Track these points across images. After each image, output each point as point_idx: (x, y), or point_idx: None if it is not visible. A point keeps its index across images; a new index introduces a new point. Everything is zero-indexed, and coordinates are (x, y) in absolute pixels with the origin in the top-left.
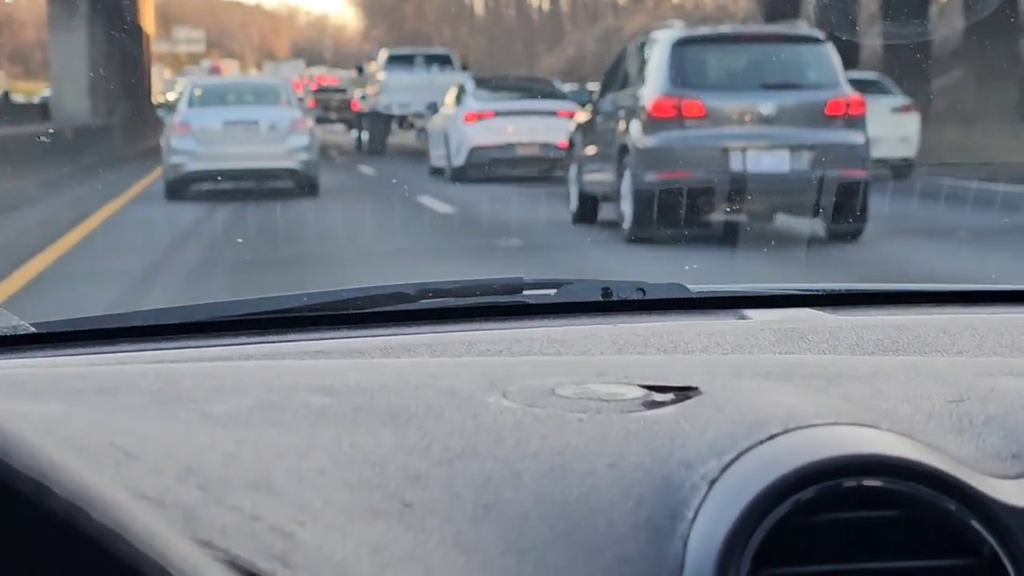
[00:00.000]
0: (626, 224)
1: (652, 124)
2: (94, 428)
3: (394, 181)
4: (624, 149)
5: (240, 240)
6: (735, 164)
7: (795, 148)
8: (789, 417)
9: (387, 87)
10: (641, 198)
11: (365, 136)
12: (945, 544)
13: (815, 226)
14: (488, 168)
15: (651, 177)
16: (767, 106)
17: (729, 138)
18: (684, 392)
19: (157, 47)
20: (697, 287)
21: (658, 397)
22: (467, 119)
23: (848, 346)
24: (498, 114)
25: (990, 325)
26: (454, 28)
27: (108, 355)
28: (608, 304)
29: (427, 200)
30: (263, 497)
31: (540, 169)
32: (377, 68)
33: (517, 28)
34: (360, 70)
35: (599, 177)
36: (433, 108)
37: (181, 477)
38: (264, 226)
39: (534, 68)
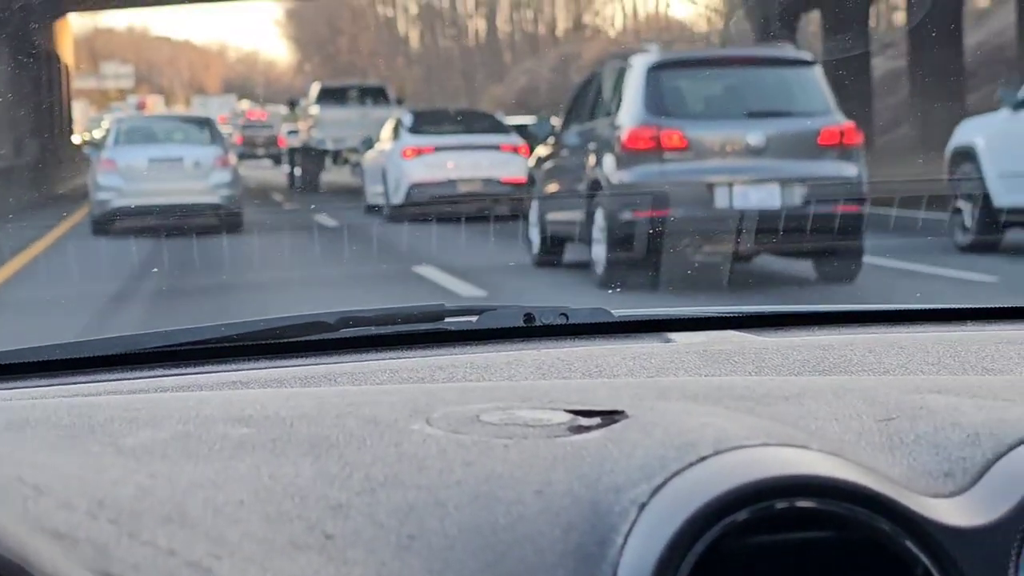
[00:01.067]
0: (598, 268)
1: (627, 157)
2: (1, 463)
3: (334, 225)
4: (595, 185)
5: (156, 270)
6: (721, 200)
7: (786, 182)
8: (719, 439)
9: (320, 121)
10: (615, 239)
11: (298, 172)
12: (880, 564)
13: (804, 267)
14: (428, 205)
15: (627, 216)
16: (754, 136)
17: (713, 171)
18: (610, 416)
19: (84, 83)
20: (620, 311)
21: (584, 422)
22: (405, 154)
23: (774, 367)
24: (438, 149)
25: (915, 344)
26: (389, 60)
27: (21, 390)
28: (531, 329)
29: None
30: (178, 531)
31: (483, 206)
32: (310, 102)
33: (455, 59)
34: (292, 105)
35: (565, 216)
36: (368, 143)
37: (92, 512)
38: (185, 262)
39: (479, 100)
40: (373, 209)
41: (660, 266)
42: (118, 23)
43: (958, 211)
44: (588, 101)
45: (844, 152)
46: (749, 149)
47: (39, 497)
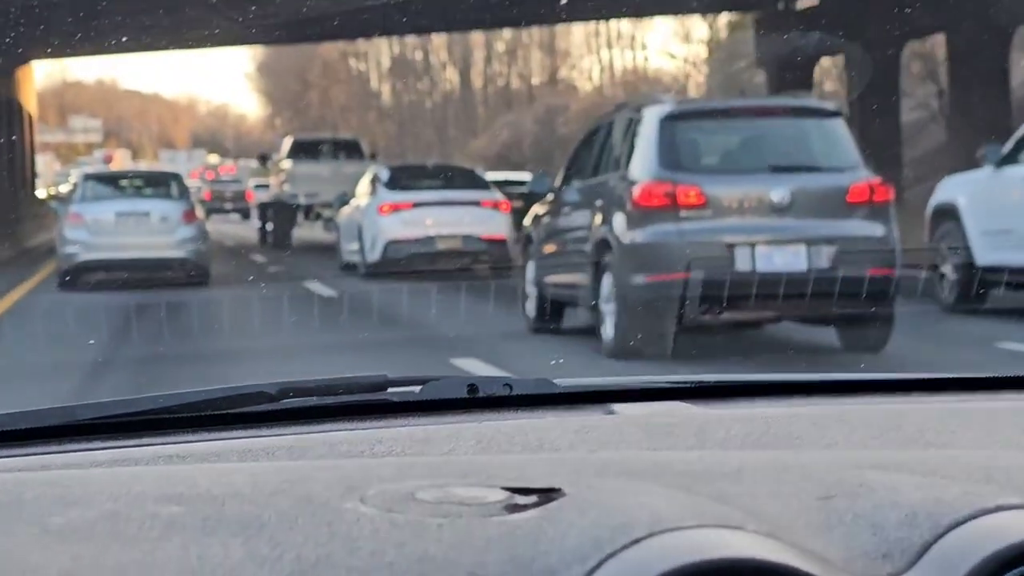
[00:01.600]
0: (606, 336)
1: (640, 215)
2: None
3: (311, 288)
4: (603, 246)
5: (92, 342)
6: (742, 262)
7: (813, 242)
8: (654, 520)
9: (292, 176)
10: (626, 305)
11: (270, 227)
12: None
13: (826, 335)
14: (405, 263)
15: (639, 279)
16: (778, 192)
17: (734, 231)
18: (547, 494)
19: (51, 137)
20: (564, 381)
21: (521, 500)
22: (382, 210)
23: (716, 441)
24: (416, 205)
25: (860, 416)
26: (361, 114)
27: None
28: (474, 401)
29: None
30: None
31: (463, 264)
32: (282, 156)
33: (428, 113)
34: (263, 159)
35: (567, 279)
36: (343, 199)
37: None
38: (150, 321)
39: (457, 154)
40: (348, 267)
41: (675, 334)
42: (87, 76)
43: (938, 270)
44: (592, 155)
45: (874, 210)
46: (772, 207)
47: None
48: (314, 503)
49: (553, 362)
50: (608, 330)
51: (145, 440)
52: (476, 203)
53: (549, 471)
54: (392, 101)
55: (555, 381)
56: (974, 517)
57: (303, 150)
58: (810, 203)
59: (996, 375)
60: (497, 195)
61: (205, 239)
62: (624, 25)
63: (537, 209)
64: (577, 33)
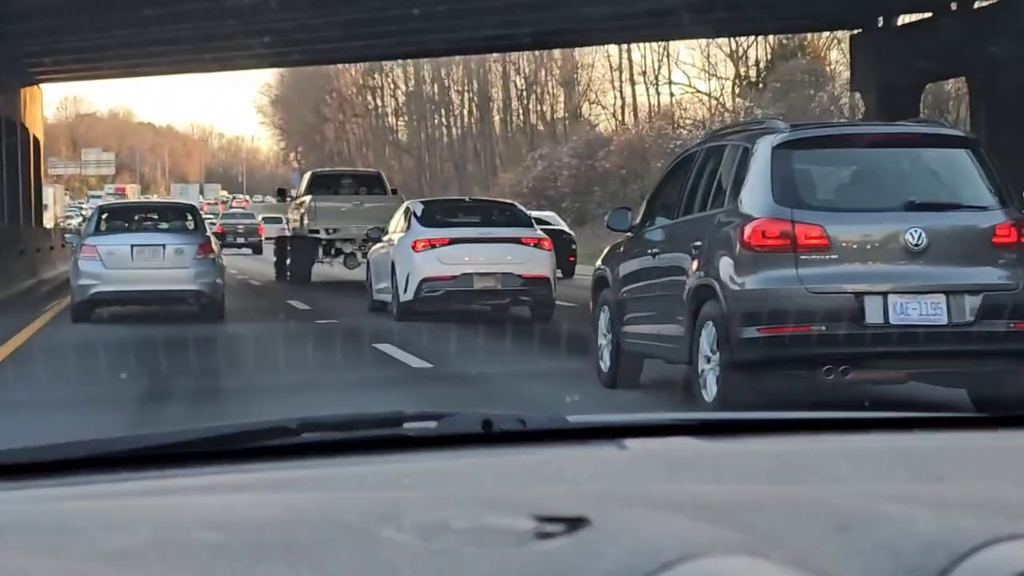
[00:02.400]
0: (706, 395)
1: (751, 258)
2: None
3: (335, 322)
4: (703, 292)
5: (124, 375)
6: (873, 314)
7: (954, 292)
8: (683, 547)
9: (312, 210)
10: (733, 361)
11: (288, 262)
12: None
13: (962, 396)
14: (440, 303)
15: (750, 332)
16: (914, 234)
17: (863, 278)
18: (575, 523)
19: (64, 169)
20: (576, 417)
21: (549, 528)
22: (416, 247)
23: (731, 475)
24: (452, 241)
25: (868, 451)
26: (377, 149)
27: None
28: (489, 436)
29: (387, 348)
30: None
31: (501, 304)
32: (301, 191)
33: (447, 148)
34: (282, 193)
35: (653, 329)
36: (376, 234)
37: None
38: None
39: (480, 188)
40: (377, 307)
41: (788, 394)
42: (100, 108)
43: None
44: (684, 188)
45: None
46: (907, 250)
47: None
48: (353, 531)
49: (568, 399)
50: (708, 389)
51: (176, 472)
52: (516, 240)
53: (573, 502)
54: (409, 136)
55: (567, 417)
56: (989, 544)
57: (323, 184)
58: (950, 246)
59: (992, 415)
60: (538, 232)
61: (221, 273)
62: (650, 56)
63: (615, 249)
64: (599, 66)
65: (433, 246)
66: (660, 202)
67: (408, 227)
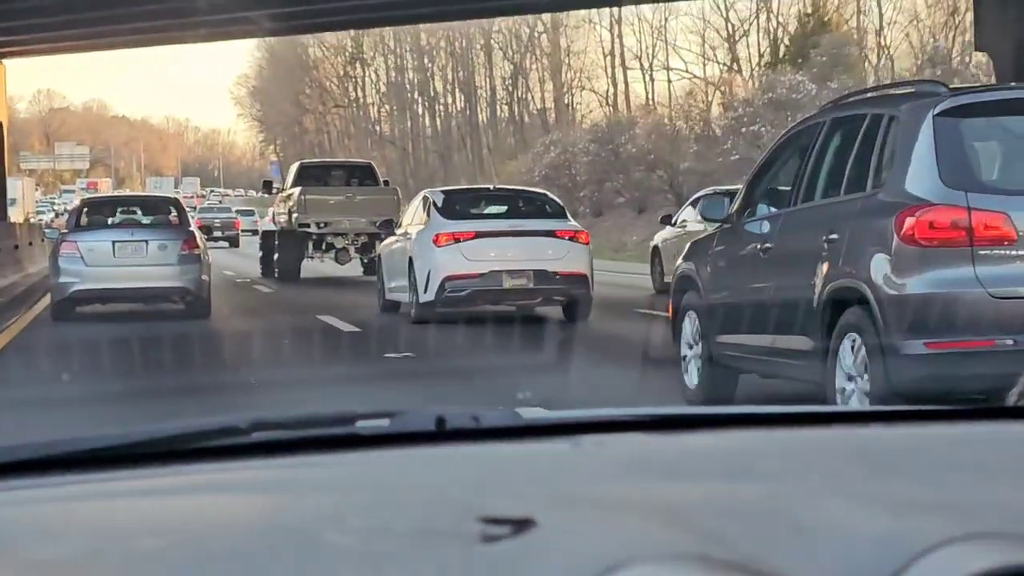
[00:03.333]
0: None
1: (915, 255)
2: None
3: (357, 332)
4: (844, 297)
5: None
6: None
7: None
8: (628, 551)
9: (301, 204)
10: (890, 383)
11: (277, 258)
12: None
13: None
14: (465, 304)
15: (914, 348)
16: None
17: None
18: (521, 524)
19: (36, 163)
20: (531, 413)
21: (495, 530)
22: (437, 241)
23: (682, 472)
24: (479, 235)
25: (822, 447)
26: (359, 141)
27: None
28: (443, 434)
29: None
30: None
31: (531, 305)
32: (288, 183)
33: (432, 139)
34: (267, 186)
35: (765, 341)
36: (388, 228)
37: None
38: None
39: (483, 178)
40: (390, 307)
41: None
42: (73, 102)
43: None
44: (804, 170)
45: None
46: None
47: None
48: (296, 534)
49: (520, 395)
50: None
51: (118, 474)
52: (550, 233)
53: (521, 502)
54: (392, 126)
55: (521, 413)
56: (943, 545)
57: (312, 176)
58: None
59: (955, 408)
60: (574, 223)
61: (207, 269)
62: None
63: (701, 244)
64: (592, 52)
65: (457, 240)
66: (765, 187)
67: (428, 219)
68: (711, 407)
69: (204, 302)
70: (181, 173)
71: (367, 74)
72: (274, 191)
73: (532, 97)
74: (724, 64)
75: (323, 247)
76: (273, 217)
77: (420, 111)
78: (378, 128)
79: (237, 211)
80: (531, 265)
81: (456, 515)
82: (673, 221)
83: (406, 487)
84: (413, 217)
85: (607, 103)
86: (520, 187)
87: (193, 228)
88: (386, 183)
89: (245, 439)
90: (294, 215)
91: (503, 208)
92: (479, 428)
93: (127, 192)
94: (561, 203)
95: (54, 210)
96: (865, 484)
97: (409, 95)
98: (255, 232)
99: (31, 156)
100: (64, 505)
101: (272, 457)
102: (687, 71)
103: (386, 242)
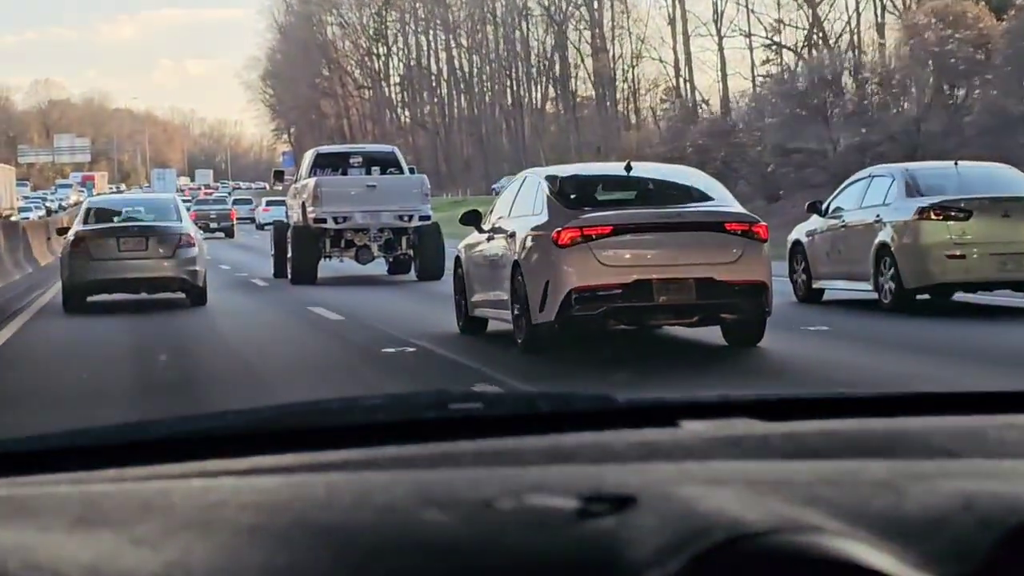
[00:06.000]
0: None
1: None
2: (16, 550)
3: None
4: None
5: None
6: None
7: None
8: (732, 525)
9: (316, 196)
10: None
11: (291, 257)
12: None
13: None
14: (597, 324)
15: None
16: None
17: None
18: (621, 502)
19: (35, 157)
20: (625, 396)
21: (595, 508)
22: (560, 239)
23: (783, 453)
24: (618, 230)
25: (920, 430)
26: (384, 126)
27: (25, 479)
28: (535, 416)
29: None
30: None
31: (690, 324)
32: (302, 173)
33: (468, 122)
34: (278, 176)
35: None
36: (472, 218)
37: None
38: None
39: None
40: (475, 326)
41: None
42: (73, 94)
43: None
44: None
45: None
46: None
47: None
48: (395, 512)
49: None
50: None
51: (213, 456)
52: (717, 226)
53: (620, 481)
54: (417, 108)
55: (615, 396)
56: None
57: (329, 164)
58: None
59: None
60: (746, 212)
61: (202, 260)
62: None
63: None
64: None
65: (588, 238)
66: None
67: (541, 209)
68: (803, 391)
69: (201, 291)
70: (188, 166)
71: (394, 52)
72: (286, 182)
73: (586, 70)
74: (804, 28)
75: (342, 244)
76: (286, 212)
77: (453, 91)
78: (406, 111)
79: (235, 201)
80: (693, 271)
81: (554, 494)
82: (824, 209)
83: (503, 468)
84: (513, 206)
85: (675, 75)
86: (666, 165)
87: (190, 224)
88: (411, 171)
89: (338, 421)
90: (308, 209)
91: (644, 192)
92: (572, 411)
93: (122, 188)
94: (719, 184)
95: (46, 207)
96: (965, 464)
97: (436, 75)
98: (252, 220)
99: (29, 149)
100: (163, 484)
101: (365, 439)
102: (768, 37)
103: (469, 240)
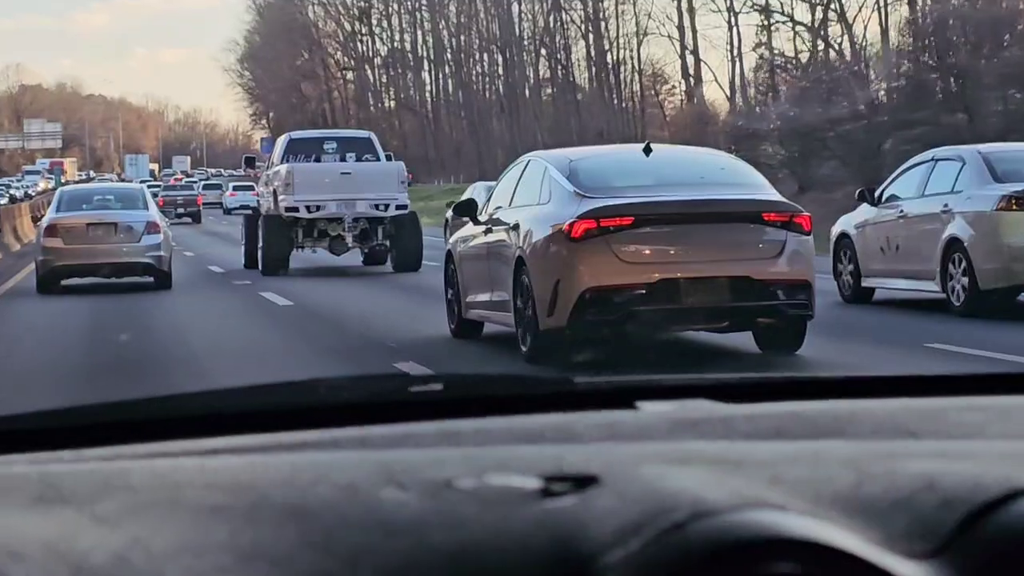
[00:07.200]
0: None
1: None
2: None
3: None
4: None
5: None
6: None
7: None
8: (695, 503)
9: (289, 183)
10: None
11: (262, 246)
12: None
13: None
14: (612, 330)
15: None
16: None
17: None
18: (583, 482)
19: (5, 143)
20: (585, 379)
21: (557, 487)
22: (575, 232)
23: (744, 434)
24: (639, 221)
25: (883, 411)
26: (368, 109)
27: None
28: (497, 398)
29: None
30: None
31: (720, 329)
32: (275, 159)
33: (460, 105)
34: (249, 162)
35: None
36: (467, 209)
37: None
38: None
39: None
40: (469, 329)
41: None
42: (46, 79)
43: None
44: None
45: None
46: None
47: (16, 564)
48: (355, 491)
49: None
50: None
51: (175, 437)
52: (754, 216)
53: (582, 461)
54: (401, 90)
55: (575, 379)
56: (1010, 498)
57: (302, 150)
58: None
59: (1005, 372)
60: (784, 200)
61: (167, 247)
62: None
63: None
64: None
65: (605, 231)
66: None
67: (551, 196)
68: (764, 374)
69: (166, 275)
70: (162, 153)
71: (380, 32)
72: (258, 168)
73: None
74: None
75: (315, 235)
76: (259, 198)
77: (440, 72)
78: (391, 92)
79: (204, 186)
80: (726, 269)
81: (516, 473)
82: (877, 197)
83: (465, 448)
84: (515, 195)
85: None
86: (691, 146)
87: (156, 212)
88: (389, 157)
89: (300, 401)
90: (280, 197)
91: (668, 178)
92: (534, 393)
93: (92, 175)
94: (752, 168)
95: (10, 194)
96: (926, 444)
97: (423, 55)
98: (220, 205)
99: None
100: (125, 463)
101: (326, 419)
102: (785, 12)
103: (463, 233)
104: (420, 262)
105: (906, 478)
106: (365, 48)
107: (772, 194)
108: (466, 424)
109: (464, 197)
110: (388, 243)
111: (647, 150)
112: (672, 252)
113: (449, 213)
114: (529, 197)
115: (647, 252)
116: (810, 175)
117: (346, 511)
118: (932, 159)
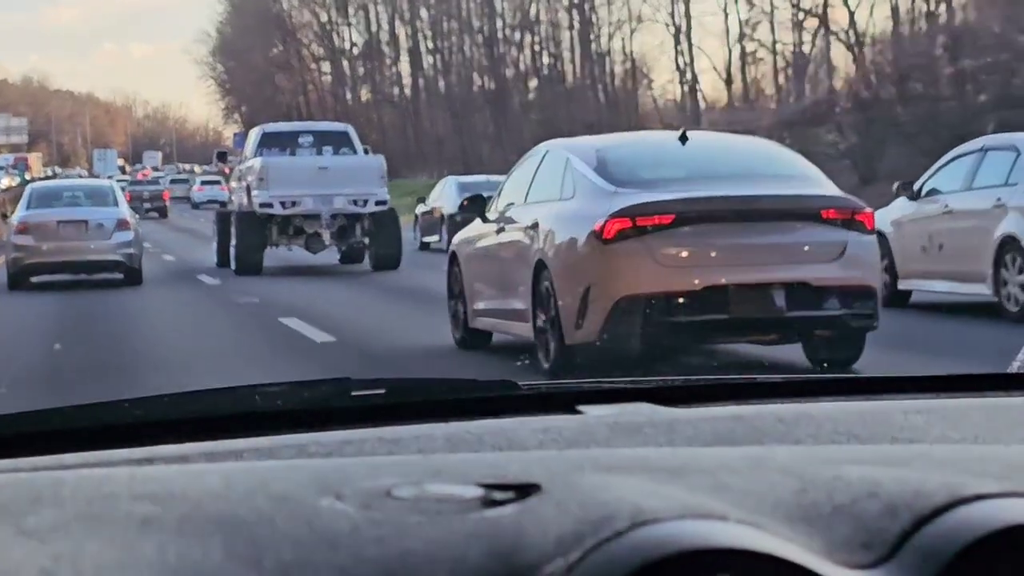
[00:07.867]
0: None
1: None
2: None
3: None
4: None
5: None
6: None
7: None
8: (635, 512)
9: (262, 178)
10: None
11: (235, 244)
12: None
13: None
14: (652, 341)
15: None
16: None
17: None
18: (524, 490)
19: None
20: (528, 383)
21: (497, 496)
22: (607, 232)
23: (686, 438)
24: (681, 219)
25: (825, 414)
26: (346, 102)
27: None
28: (439, 403)
29: None
30: None
31: (771, 342)
32: (248, 153)
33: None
34: (221, 157)
35: None
36: (475, 206)
37: None
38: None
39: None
40: (477, 340)
41: None
42: (11, 74)
43: None
44: None
45: None
46: None
47: None
48: (291, 502)
49: (519, 362)
50: None
51: (110, 444)
52: (810, 213)
53: (523, 468)
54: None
55: (518, 383)
56: (953, 506)
57: (276, 144)
58: None
59: (950, 374)
60: (845, 196)
61: (138, 244)
62: None
63: None
64: None
65: (642, 230)
66: None
67: (575, 190)
68: (707, 377)
69: (137, 272)
70: (131, 148)
71: (355, 22)
72: (230, 162)
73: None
74: None
75: (290, 232)
76: (230, 195)
77: (421, 61)
78: (369, 84)
79: (172, 180)
80: (781, 273)
81: (456, 481)
82: (917, 191)
83: (405, 455)
84: (531, 189)
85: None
86: (725, 134)
87: (126, 209)
88: (366, 151)
89: (238, 409)
90: (253, 193)
91: (709, 170)
92: (476, 397)
93: (58, 172)
94: (805, 160)
95: None
96: (869, 449)
97: (404, 44)
98: (187, 199)
99: None
100: (55, 473)
101: (265, 427)
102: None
103: (469, 233)
104: (399, 260)
105: (849, 485)
106: (341, 39)
107: (830, 188)
108: (407, 430)
109: (433, 193)
110: (366, 240)
111: (683, 138)
112: (718, 255)
113: (419, 208)
114: (549, 192)
115: (689, 255)
116: (873, 167)
117: (281, 523)
118: (982, 148)
